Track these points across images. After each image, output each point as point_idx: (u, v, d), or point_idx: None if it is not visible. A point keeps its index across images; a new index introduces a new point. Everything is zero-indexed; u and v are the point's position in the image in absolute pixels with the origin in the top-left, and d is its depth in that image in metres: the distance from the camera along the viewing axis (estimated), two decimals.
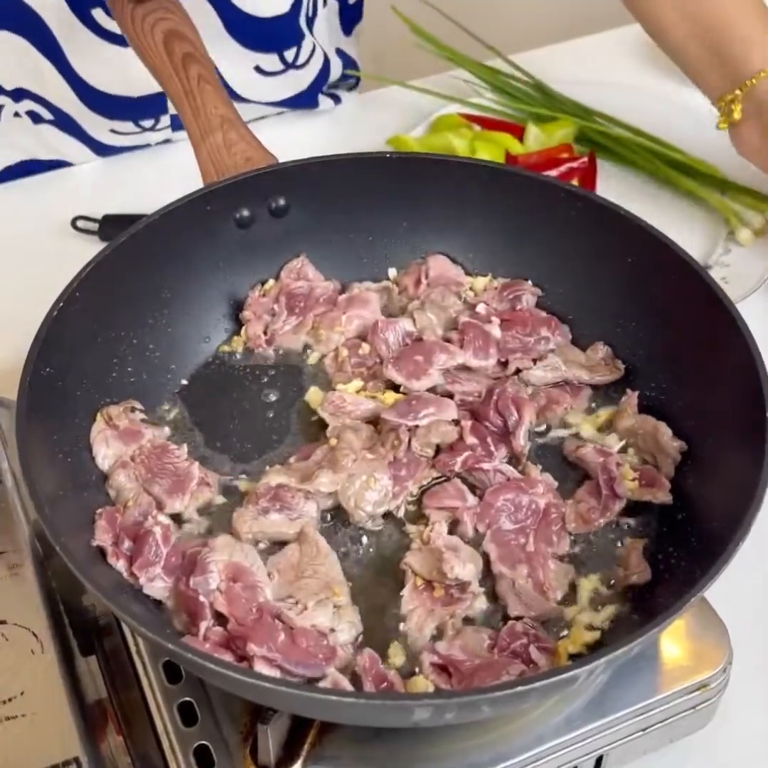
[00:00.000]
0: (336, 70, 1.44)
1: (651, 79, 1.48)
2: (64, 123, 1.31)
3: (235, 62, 1.32)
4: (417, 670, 0.79)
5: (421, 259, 1.04)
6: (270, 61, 1.35)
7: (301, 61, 1.37)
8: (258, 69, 1.36)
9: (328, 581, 0.82)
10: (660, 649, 0.82)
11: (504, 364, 0.96)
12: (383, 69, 1.50)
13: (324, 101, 1.46)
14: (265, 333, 1.01)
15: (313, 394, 0.97)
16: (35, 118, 1.30)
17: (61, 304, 0.86)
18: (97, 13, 1.23)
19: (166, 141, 1.40)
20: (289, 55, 1.36)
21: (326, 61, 1.40)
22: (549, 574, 0.84)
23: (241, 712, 0.78)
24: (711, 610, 0.84)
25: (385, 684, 0.77)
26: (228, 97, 1.13)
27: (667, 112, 1.39)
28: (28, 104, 1.29)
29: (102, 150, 1.37)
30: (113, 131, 1.35)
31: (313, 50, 1.38)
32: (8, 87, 1.27)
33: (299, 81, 1.39)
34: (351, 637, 0.80)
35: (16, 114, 1.29)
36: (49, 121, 1.31)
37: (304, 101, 1.43)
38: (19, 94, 1.28)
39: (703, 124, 1.36)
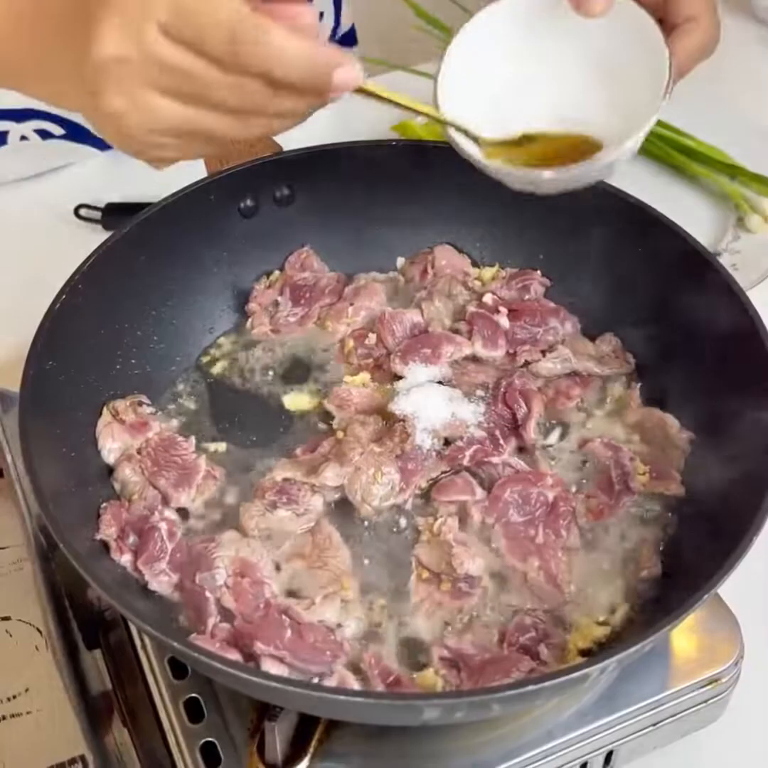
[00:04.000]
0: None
1: None
2: (76, 134, 1.30)
3: None
4: (425, 663, 0.79)
5: (428, 248, 1.03)
6: None
7: None
8: None
9: (339, 574, 0.82)
10: (671, 643, 0.82)
11: (513, 356, 0.96)
12: (388, 53, 1.49)
13: None
14: (270, 324, 1.00)
15: (289, 400, 0.96)
16: (44, 135, 1.28)
17: (64, 297, 0.86)
18: None
19: None
20: None
21: (336, 26, 1.39)
22: (561, 566, 0.83)
23: (248, 708, 0.77)
24: (722, 605, 0.83)
25: (392, 679, 0.76)
26: None
27: (677, 96, 1.37)
28: (35, 123, 1.27)
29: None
30: None
31: (321, 17, 1.35)
32: (16, 107, 1.25)
33: None
34: (358, 632, 0.80)
35: (23, 137, 1.28)
36: (60, 136, 1.29)
37: None
38: (25, 115, 1.26)
39: (713, 109, 1.35)
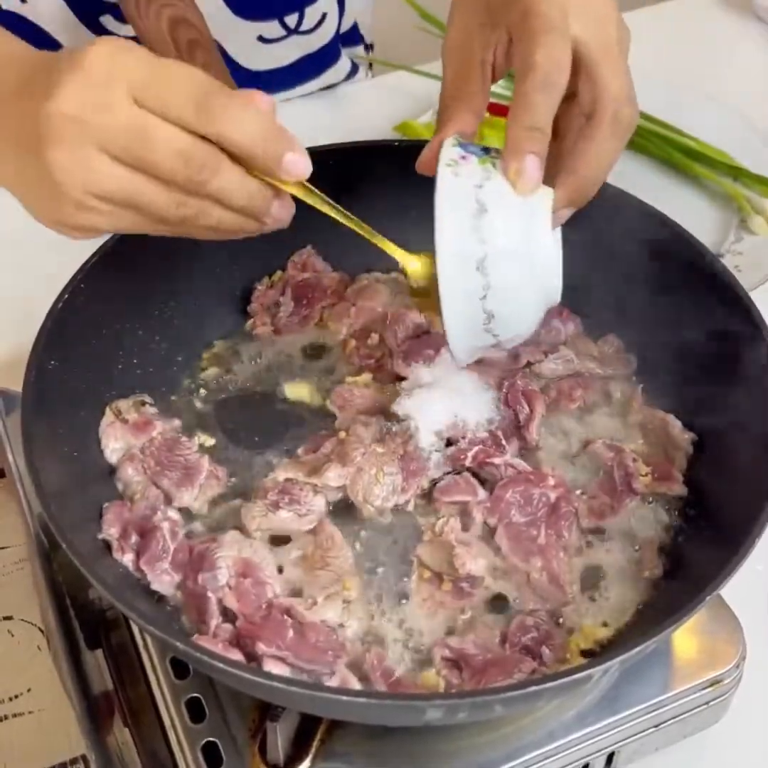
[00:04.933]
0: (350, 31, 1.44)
1: (662, 64, 1.47)
2: None
3: (237, 36, 1.30)
4: (426, 663, 0.78)
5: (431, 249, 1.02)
6: (271, 28, 1.33)
7: (305, 27, 1.35)
8: (261, 38, 1.34)
9: (341, 574, 0.82)
10: (673, 645, 0.81)
11: (515, 357, 0.95)
12: (390, 54, 1.49)
13: (343, 64, 1.44)
14: (272, 324, 1.00)
15: (290, 390, 0.96)
16: None
17: (66, 296, 0.85)
18: (106, 20, 1.20)
19: None
20: (291, 20, 1.34)
21: (339, 27, 1.39)
22: (563, 566, 0.83)
23: (249, 708, 0.77)
24: (724, 605, 0.83)
25: (394, 679, 0.76)
26: (234, 83, 1.11)
27: (679, 97, 1.37)
28: None
29: None
30: None
31: (324, 17, 1.36)
32: None
33: (308, 43, 1.38)
34: (360, 632, 0.80)
35: None
36: None
37: (320, 62, 1.41)
38: None
39: (714, 109, 1.35)
